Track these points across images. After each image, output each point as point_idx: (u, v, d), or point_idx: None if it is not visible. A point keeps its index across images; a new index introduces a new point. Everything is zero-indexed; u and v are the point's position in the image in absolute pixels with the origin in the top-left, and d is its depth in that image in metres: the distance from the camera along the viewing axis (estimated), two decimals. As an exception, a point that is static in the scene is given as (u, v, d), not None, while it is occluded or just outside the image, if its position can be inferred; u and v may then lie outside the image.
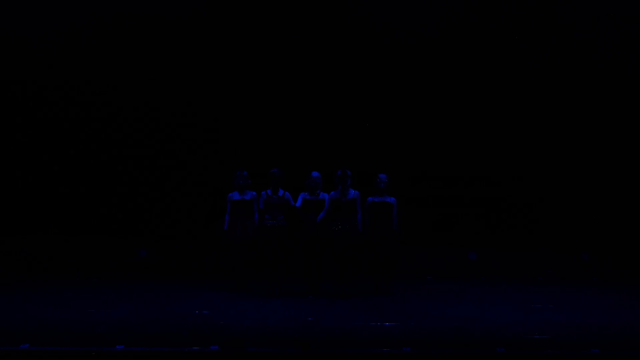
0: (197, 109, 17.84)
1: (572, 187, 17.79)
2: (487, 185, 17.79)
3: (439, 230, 17.08)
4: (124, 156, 17.85)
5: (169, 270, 17.41)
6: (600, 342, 10.84)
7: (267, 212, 14.27)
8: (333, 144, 17.61)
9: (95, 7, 17.50)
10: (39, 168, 17.76)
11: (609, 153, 17.78)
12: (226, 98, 17.83)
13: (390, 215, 14.27)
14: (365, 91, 17.79)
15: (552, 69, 17.65)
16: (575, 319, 12.57)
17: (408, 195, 16.38)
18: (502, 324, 12.10)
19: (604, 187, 17.75)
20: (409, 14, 17.40)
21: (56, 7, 17.46)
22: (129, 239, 17.77)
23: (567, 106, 17.81)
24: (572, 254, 17.67)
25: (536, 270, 17.48)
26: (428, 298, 14.38)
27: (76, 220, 17.80)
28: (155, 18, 17.67)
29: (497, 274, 17.25)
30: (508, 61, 17.64)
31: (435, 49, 17.67)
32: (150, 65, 17.82)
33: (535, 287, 15.85)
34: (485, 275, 17.19)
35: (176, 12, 17.68)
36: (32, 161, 17.77)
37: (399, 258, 14.26)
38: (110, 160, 17.87)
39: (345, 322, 12.24)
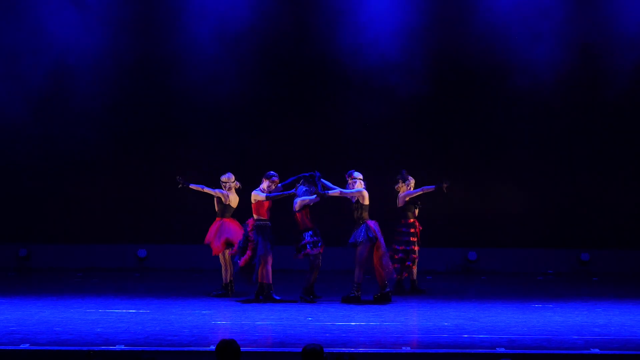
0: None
1: (573, 187, 17.77)
2: (486, 185, 17.78)
3: (438, 230, 17.04)
4: (123, 154, 17.84)
5: (168, 270, 17.40)
6: (600, 342, 10.85)
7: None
8: (333, 145, 17.64)
9: None
10: (38, 168, 17.75)
11: (608, 153, 17.76)
12: (228, 99, 17.83)
13: None
14: (365, 91, 17.84)
15: (549, 70, 17.67)
16: (575, 319, 12.58)
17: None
18: (502, 324, 12.10)
19: (605, 187, 17.73)
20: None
21: None
22: (129, 239, 17.76)
23: (567, 105, 17.81)
24: (572, 254, 17.67)
25: (536, 270, 17.48)
26: (428, 298, 14.39)
27: (76, 219, 17.78)
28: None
29: (497, 274, 17.26)
30: (506, 63, 17.65)
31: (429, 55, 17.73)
32: (152, 67, 17.83)
33: (535, 287, 15.85)
34: (485, 275, 17.20)
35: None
36: (31, 162, 17.76)
37: None
38: (109, 158, 17.84)
39: (344, 322, 12.24)
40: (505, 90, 17.75)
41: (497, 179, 17.86)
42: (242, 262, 13.55)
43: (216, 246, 14.30)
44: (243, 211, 14.33)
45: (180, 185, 14.57)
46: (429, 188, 14.76)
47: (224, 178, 14.52)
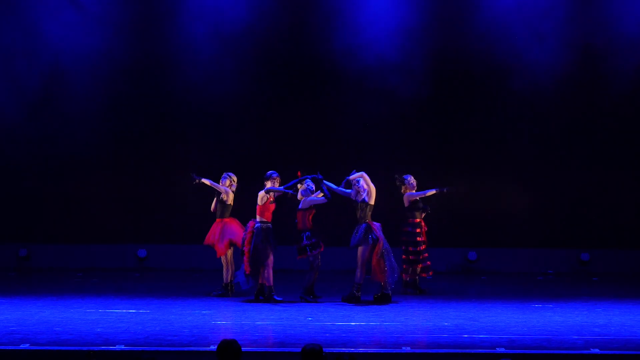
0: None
1: (573, 187, 17.76)
2: (486, 185, 17.77)
3: (438, 230, 17.04)
4: (123, 154, 17.85)
5: (168, 270, 17.41)
6: (600, 342, 10.85)
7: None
8: (333, 145, 17.65)
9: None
10: (38, 168, 17.76)
11: (608, 153, 17.76)
12: (227, 99, 17.84)
13: None
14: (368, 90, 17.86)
15: (548, 72, 17.70)
16: (575, 319, 12.58)
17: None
18: (502, 324, 12.10)
19: (605, 187, 17.72)
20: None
21: None
22: (129, 239, 17.76)
23: (567, 105, 17.81)
24: (572, 254, 17.67)
25: (536, 270, 17.49)
26: (428, 298, 14.39)
27: (76, 219, 17.78)
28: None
29: (497, 274, 17.26)
30: (506, 63, 17.66)
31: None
32: (151, 67, 17.84)
33: (535, 287, 15.86)
34: (485, 275, 17.21)
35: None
36: (31, 162, 17.77)
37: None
38: (109, 158, 17.85)
39: (344, 322, 12.24)
40: (505, 90, 17.74)
41: (497, 179, 17.85)
42: (247, 270, 13.59)
43: (220, 248, 14.32)
44: (243, 212, 14.35)
45: (196, 182, 14.54)
46: (431, 191, 14.80)
47: (231, 176, 14.55)
